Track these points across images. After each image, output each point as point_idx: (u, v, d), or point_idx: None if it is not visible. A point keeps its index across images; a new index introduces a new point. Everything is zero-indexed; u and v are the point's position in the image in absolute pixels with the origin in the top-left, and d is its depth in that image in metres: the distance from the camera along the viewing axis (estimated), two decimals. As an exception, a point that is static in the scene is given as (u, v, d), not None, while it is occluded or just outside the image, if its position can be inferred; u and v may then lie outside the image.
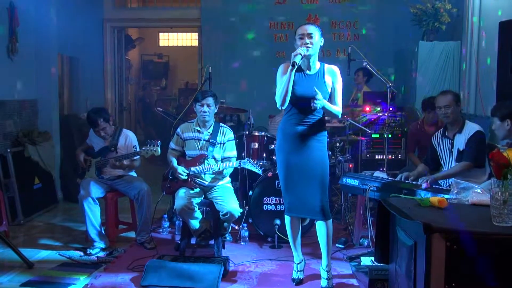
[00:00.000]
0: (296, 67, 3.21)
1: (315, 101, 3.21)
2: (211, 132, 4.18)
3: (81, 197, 4.24)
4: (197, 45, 8.56)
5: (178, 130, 4.28)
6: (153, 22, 8.32)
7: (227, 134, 4.21)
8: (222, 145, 4.19)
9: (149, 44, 12.26)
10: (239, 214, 4.04)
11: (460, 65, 6.13)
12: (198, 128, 4.19)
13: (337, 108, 3.42)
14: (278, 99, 3.31)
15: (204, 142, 4.17)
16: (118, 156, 4.39)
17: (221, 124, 4.30)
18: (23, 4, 5.52)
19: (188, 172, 4.08)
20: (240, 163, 4.01)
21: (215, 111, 4.20)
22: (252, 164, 3.98)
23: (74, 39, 6.90)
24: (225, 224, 4.17)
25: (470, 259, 2.05)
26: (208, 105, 4.09)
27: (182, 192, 4.04)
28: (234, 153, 4.23)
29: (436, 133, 4.14)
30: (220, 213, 3.99)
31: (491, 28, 5.24)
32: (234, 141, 4.27)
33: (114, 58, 8.05)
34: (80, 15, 6.93)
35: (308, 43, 3.26)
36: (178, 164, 4.18)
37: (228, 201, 3.99)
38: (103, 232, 4.33)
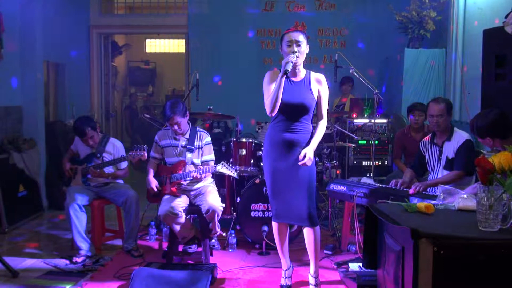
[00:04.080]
0: (287, 74, 3.22)
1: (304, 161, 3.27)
2: (187, 138, 4.18)
3: (67, 205, 4.19)
4: (184, 51, 8.55)
5: (156, 137, 4.29)
6: (140, 28, 8.29)
7: (204, 138, 4.21)
8: (199, 149, 4.19)
9: (136, 50, 12.23)
10: (221, 209, 4.01)
11: (445, 72, 6.20)
12: (175, 135, 4.18)
13: (322, 126, 3.45)
14: (268, 106, 3.31)
15: (181, 148, 4.17)
16: (105, 162, 4.36)
17: (197, 128, 4.29)
18: (8, 10, 5.47)
19: (160, 189, 4.14)
20: (214, 168, 4.00)
21: (187, 119, 4.19)
22: (227, 167, 3.97)
23: (60, 45, 6.86)
24: (210, 224, 4.12)
25: (457, 264, 2.07)
26: (177, 123, 4.08)
27: (165, 199, 4.04)
28: (211, 156, 4.23)
29: (424, 139, 4.17)
30: (202, 211, 3.97)
31: (475, 36, 5.31)
32: (211, 144, 4.26)
33: (101, 65, 8.01)
34: (66, 21, 6.90)
35: (296, 52, 3.28)
36: (160, 172, 4.21)
37: (207, 197, 3.99)
38: (89, 240, 4.29)
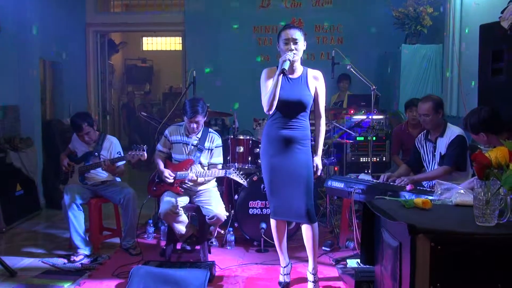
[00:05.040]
0: (284, 73, 3.21)
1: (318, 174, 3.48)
2: (199, 137, 4.17)
3: (65, 204, 4.20)
4: (181, 49, 8.54)
5: (166, 132, 4.27)
6: (136, 26, 8.28)
7: (215, 140, 4.21)
8: (209, 151, 4.19)
9: (133, 48, 12.23)
10: (225, 218, 4.04)
11: (442, 68, 6.21)
12: (187, 133, 4.18)
13: (322, 127, 3.51)
14: (265, 104, 3.31)
15: (192, 147, 4.16)
16: (102, 161, 4.35)
17: (209, 129, 4.29)
18: (4, 9, 5.45)
19: (174, 176, 4.08)
20: (226, 173, 4.01)
21: (205, 119, 4.19)
22: (237, 174, 3.99)
23: (56, 44, 6.84)
24: (211, 227, 4.17)
25: (455, 259, 2.08)
26: (197, 122, 4.07)
27: (167, 197, 4.03)
28: (220, 159, 4.24)
29: (420, 135, 4.19)
30: (207, 217, 3.99)
31: (472, 31, 5.31)
32: (221, 147, 4.27)
33: (97, 63, 7.99)
34: (62, 20, 6.88)
35: (293, 49, 3.28)
36: (165, 167, 4.19)
37: (214, 204, 3.99)
38: (87, 238, 4.29)
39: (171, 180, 4.07)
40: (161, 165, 4.17)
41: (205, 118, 4.16)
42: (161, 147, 4.28)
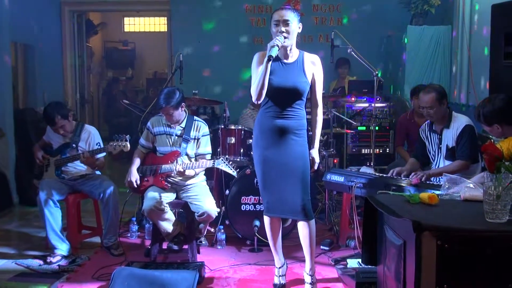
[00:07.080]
0: (272, 60, 3.20)
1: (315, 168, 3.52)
2: (183, 126, 4.18)
3: (40, 200, 4.18)
4: (166, 30, 8.50)
5: (149, 124, 4.27)
6: (117, 5, 8.23)
7: (201, 128, 4.21)
8: (196, 140, 4.19)
9: (113, 30, 12.14)
10: (216, 214, 4.05)
11: (451, 51, 6.22)
12: (169, 123, 4.18)
13: (319, 118, 3.53)
14: (253, 92, 3.31)
15: (176, 137, 4.17)
16: (81, 153, 4.34)
17: (195, 117, 4.29)
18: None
19: (138, 184, 4.13)
20: (214, 163, 4.02)
21: (183, 109, 4.19)
22: (227, 164, 4.00)
23: (29, 25, 6.79)
24: (201, 225, 4.18)
25: (463, 258, 2.10)
26: (170, 115, 4.08)
27: (151, 192, 4.04)
28: (208, 149, 4.24)
29: (423, 125, 4.19)
30: (196, 213, 4.00)
31: (484, 11, 5.33)
32: (209, 136, 4.28)
33: (74, 46, 7.95)
34: (35, -2, 6.83)
35: (284, 32, 3.27)
36: (147, 160, 4.20)
37: (203, 200, 4.00)
38: (64, 237, 4.29)
39: (134, 186, 4.12)
40: (134, 165, 4.20)
41: (180, 109, 4.14)
42: (144, 141, 4.29)
